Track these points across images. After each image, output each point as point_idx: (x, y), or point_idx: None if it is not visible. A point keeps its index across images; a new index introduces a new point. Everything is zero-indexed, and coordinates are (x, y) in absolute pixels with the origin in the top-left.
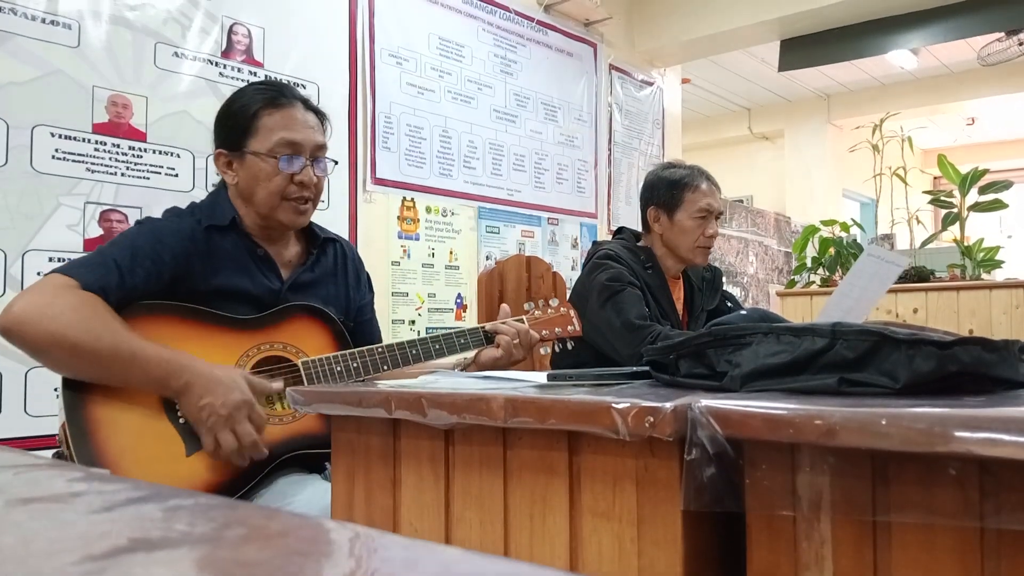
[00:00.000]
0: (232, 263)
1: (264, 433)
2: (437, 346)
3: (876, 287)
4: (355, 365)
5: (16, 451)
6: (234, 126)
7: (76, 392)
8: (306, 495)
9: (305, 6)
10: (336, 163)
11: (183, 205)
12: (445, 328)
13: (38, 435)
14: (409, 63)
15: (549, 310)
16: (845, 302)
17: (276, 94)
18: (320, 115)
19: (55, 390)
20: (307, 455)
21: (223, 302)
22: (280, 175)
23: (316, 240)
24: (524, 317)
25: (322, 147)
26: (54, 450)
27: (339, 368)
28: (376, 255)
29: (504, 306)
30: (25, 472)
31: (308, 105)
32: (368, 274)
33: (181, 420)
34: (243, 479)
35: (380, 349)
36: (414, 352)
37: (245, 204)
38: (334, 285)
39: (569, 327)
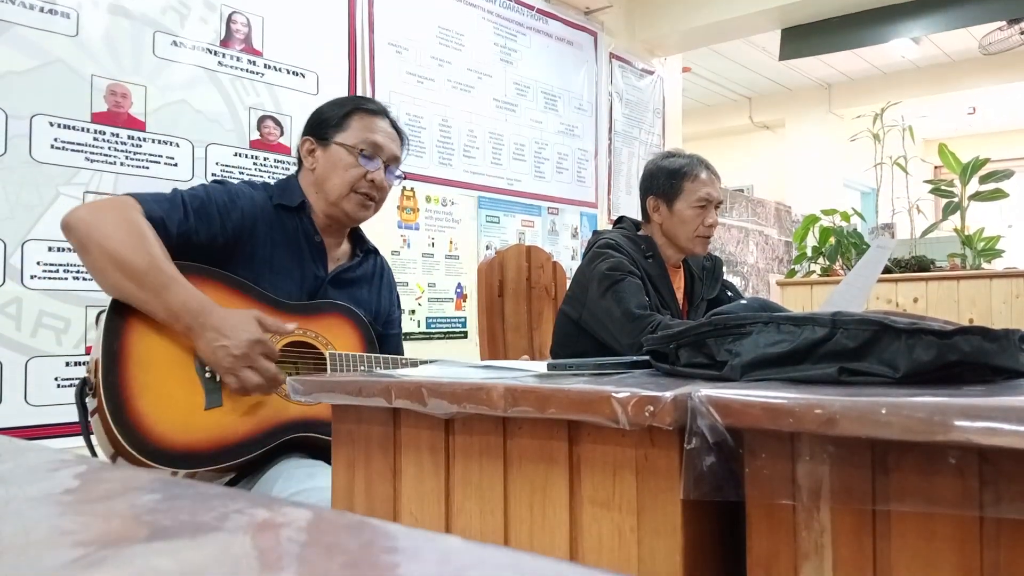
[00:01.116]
0: (290, 242)
1: (278, 406)
2: None
3: (872, 273)
4: (378, 368)
5: (16, 440)
6: (327, 119)
7: (117, 321)
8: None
9: None
10: (403, 179)
11: None
12: (445, 318)
13: (38, 424)
14: (409, 52)
15: None
16: (850, 291)
17: (370, 103)
18: (402, 135)
19: (55, 379)
20: (317, 442)
21: (271, 274)
22: (357, 168)
23: (363, 245)
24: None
25: (397, 159)
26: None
27: (363, 367)
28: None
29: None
30: (26, 462)
31: (394, 124)
32: (398, 293)
33: (207, 375)
34: (252, 444)
35: (404, 360)
36: None
37: (316, 192)
38: (368, 289)
39: None
